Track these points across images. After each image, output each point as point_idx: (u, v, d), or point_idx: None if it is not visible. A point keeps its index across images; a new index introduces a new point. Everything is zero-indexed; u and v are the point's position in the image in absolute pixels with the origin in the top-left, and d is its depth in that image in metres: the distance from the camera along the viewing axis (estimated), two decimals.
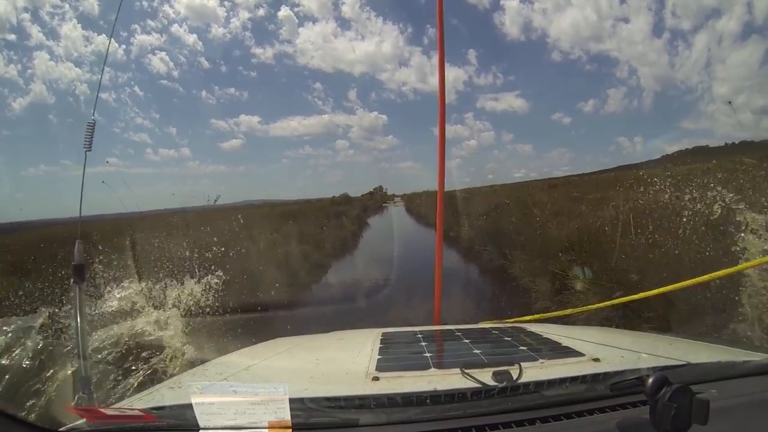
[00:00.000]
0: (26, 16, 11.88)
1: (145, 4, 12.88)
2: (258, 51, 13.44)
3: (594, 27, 12.51)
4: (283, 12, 13.30)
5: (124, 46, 12.49)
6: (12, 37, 11.69)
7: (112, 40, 10.88)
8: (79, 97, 11.79)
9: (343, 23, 14.26)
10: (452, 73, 13.96)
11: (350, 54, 14.46)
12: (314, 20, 13.79)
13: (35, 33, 11.92)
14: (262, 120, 13.91)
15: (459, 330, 2.32)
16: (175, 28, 12.72)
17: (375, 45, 14.22)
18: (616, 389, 1.28)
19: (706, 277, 3.53)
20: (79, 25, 11.80)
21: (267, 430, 1.10)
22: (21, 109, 12.04)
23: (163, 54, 12.76)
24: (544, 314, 4.47)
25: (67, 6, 11.81)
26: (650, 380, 1.05)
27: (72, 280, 2.83)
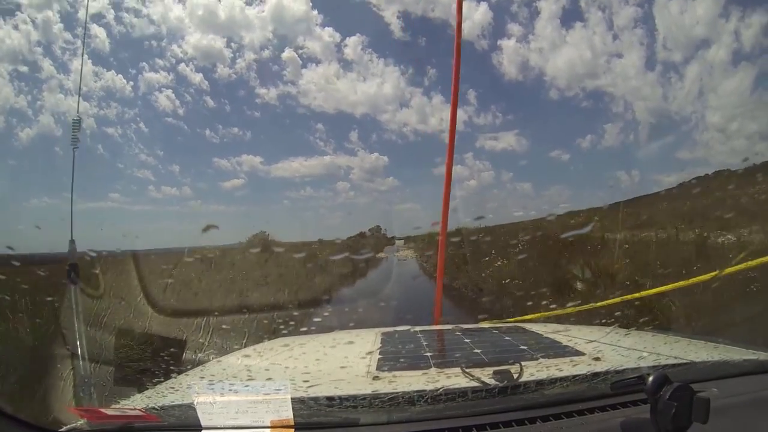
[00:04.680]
0: (38, 49, 12.06)
1: (154, 43, 13.11)
2: (262, 91, 13.67)
3: (589, 64, 12.75)
4: (287, 53, 13.56)
5: (132, 83, 12.69)
6: (24, 68, 11.93)
7: (120, 76, 11.36)
8: (86, 131, 11.98)
9: (345, 65, 14.42)
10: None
11: (352, 95, 14.56)
12: (317, 62, 14.00)
13: (47, 66, 12.11)
14: (264, 160, 14.11)
15: (459, 330, 2.32)
16: (182, 67, 12.95)
17: (376, 86, 14.36)
18: (616, 388, 1.28)
19: (705, 276, 3.55)
20: (90, 60, 12.04)
21: (269, 429, 1.10)
22: (27, 140, 12.20)
23: (169, 92, 12.99)
24: (544, 313, 4.49)
25: (78, 42, 12.01)
26: (651, 379, 1.05)
27: (68, 281, 2.83)
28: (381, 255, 18.59)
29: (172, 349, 4.44)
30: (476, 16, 13.57)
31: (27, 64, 12.12)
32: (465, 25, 13.35)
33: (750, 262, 3.41)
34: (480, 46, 13.80)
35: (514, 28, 13.35)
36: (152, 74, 13.29)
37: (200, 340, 5.21)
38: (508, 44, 13.39)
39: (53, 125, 12.37)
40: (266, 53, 14.02)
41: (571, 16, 12.85)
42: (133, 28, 12.78)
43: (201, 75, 13.56)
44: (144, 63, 13.30)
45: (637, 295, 4.45)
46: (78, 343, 3.06)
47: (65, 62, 12.24)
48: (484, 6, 13.63)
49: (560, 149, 14.27)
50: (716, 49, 11.19)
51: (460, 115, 14.18)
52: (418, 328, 2.34)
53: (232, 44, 13.80)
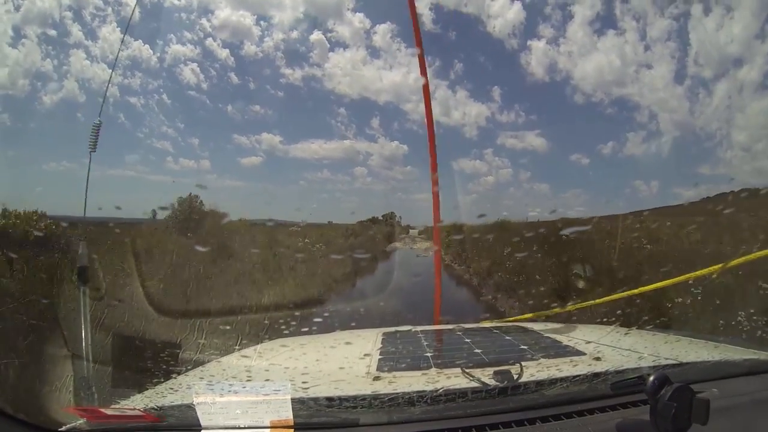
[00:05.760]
0: (69, 14, 12.13)
1: (183, 15, 13.11)
2: (287, 71, 13.68)
3: (617, 71, 12.75)
4: (316, 36, 13.51)
5: (158, 54, 12.74)
6: (53, 32, 12.00)
7: (147, 46, 11.43)
8: (109, 99, 12.14)
9: (373, 51, 14.46)
10: (475, 109, 14.07)
11: (377, 82, 14.51)
12: (345, 46, 14.00)
13: (75, 31, 12.18)
14: (283, 140, 14.05)
15: (460, 330, 2.32)
16: (209, 41, 13.00)
17: (402, 75, 14.30)
18: (616, 388, 1.28)
19: (704, 271, 3.55)
20: (119, 29, 12.10)
21: (269, 429, 1.10)
22: (51, 104, 12.28)
23: (194, 65, 12.98)
24: (544, 312, 4.49)
25: (109, 9, 12.07)
26: (651, 379, 1.05)
27: (77, 283, 2.83)
28: (395, 245, 17.30)
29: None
30: (509, 15, 13.52)
31: (56, 28, 12.12)
32: (496, 23, 13.50)
33: (750, 256, 3.41)
34: (510, 45, 13.72)
35: (546, 29, 13.32)
36: (179, 47, 13.23)
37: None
38: (538, 45, 13.32)
39: (77, 91, 12.36)
40: (295, 34, 13.87)
41: (604, 23, 12.80)
42: None
43: (228, 51, 13.52)
44: (172, 35, 13.25)
45: (637, 291, 4.44)
46: (83, 343, 3.06)
47: (94, 29, 12.24)
48: (517, 5, 13.58)
49: (581, 153, 14.28)
50: (748, 69, 11.13)
51: (482, 110, 14.17)
52: (418, 328, 2.34)
53: (262, 22, 13.64)
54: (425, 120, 4.88)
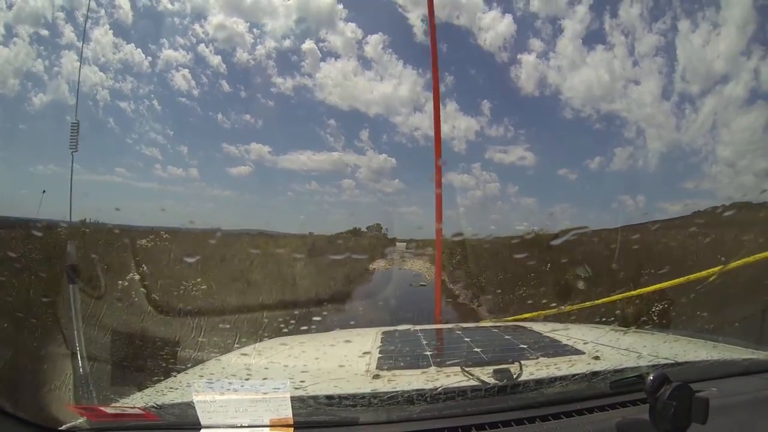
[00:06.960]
0: (61, 14, 12.15)
1: (177, 20, 13.13)
2: (278, 80, 13.72)
3: (606, 87, 12.92)
4: (308, 45, 13.54)
5: (150, 59, 12.74)
6: (45, 32, 12.02)
7: (139, 50, 11.45)
8: (99, 102, 12.13)
9: (364, 62, 14.48)
10: (464, 122, 14.08)
11: (368, 94, 14.49)
12: (336, 56, 14.05)
13: (67, 32, 12.20)
14: (272, 150, 14.05)
15: (459, 329, 2.32)
16: (201, 47, 13.03)
17: (392, 87, 14.32)
18: (615, 387, 1.28)
19: (703, 273, 3.56)
20: (111, 31, 12.11)
21: (268, 427, 1.10)
22: (41, 105, 12.27)
23: (186, 71, 12.98)
24: (544, 312, 4.50)
25: (102, 12, 12.10)
26: (650, 378, 1.05)
27: (67, 281, 2.84)
28: (378, 265, 14.43)
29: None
30: (500, 28, 13.55)
31: (48, 28, 12.11)
32: (487, 36, 13.58)
33: (749, 258, 3.42)
34: (500, 58, 13.78)
35: (536, 43, 13.41)
36: (171, 51, 13.19)
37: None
38: (528, 59, 13.40)
39: (67, 93, 12.32)
40: (287, 42, 13.86)
41: (593, 38, 12.93)
42: (158, 3, 12.76)
43: (219, 58, 13.50)
44: (164, 40, 13.22)
45: (636, 292, 4.45)
46: (76, 341, 3.06)
47: (86, 30, 12.23)
48: (508, 18, 13.63)
49: (568, 168, 14.37)
50: (734, 85, 11.27)
51: (472, 124, 14.20)
52: (418, 327, 2.34)
53: (255, 30, 13.61)
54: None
